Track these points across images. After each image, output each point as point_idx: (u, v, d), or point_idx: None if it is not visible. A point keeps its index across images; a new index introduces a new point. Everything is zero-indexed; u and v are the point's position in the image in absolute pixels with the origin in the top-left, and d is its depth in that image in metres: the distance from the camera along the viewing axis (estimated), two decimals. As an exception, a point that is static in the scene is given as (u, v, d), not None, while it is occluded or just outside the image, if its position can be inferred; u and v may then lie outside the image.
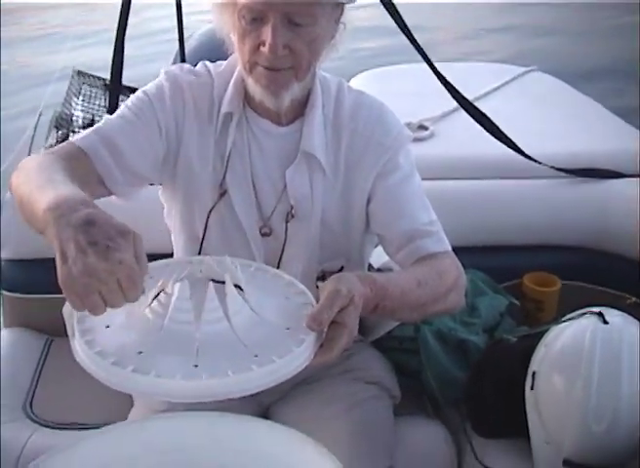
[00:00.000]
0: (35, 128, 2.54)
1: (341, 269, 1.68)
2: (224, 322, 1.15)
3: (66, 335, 1.90)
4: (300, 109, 1.60)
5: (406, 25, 2.25)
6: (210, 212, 1.61)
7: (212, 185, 1.61)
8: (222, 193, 1.60)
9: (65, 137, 2.57)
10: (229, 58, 1.64)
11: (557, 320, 1.75)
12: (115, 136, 1.50)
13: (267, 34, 1.42)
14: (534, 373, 1.64)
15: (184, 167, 1.61)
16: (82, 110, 2.57)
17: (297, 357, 1.12)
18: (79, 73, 2.56)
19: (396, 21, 2.22)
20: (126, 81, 2.51)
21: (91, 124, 2.53)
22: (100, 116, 2.55)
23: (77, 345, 1.13)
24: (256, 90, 1.52)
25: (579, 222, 2.30)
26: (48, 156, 1.40)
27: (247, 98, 1.60)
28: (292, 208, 1.60)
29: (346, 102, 1.63)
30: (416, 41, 2.28)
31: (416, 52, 2.30)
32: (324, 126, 1.60)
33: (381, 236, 1.63)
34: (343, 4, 1.52)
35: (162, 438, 1.14)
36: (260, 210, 1.62)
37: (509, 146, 2.36)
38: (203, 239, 1.63)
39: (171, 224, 1.73)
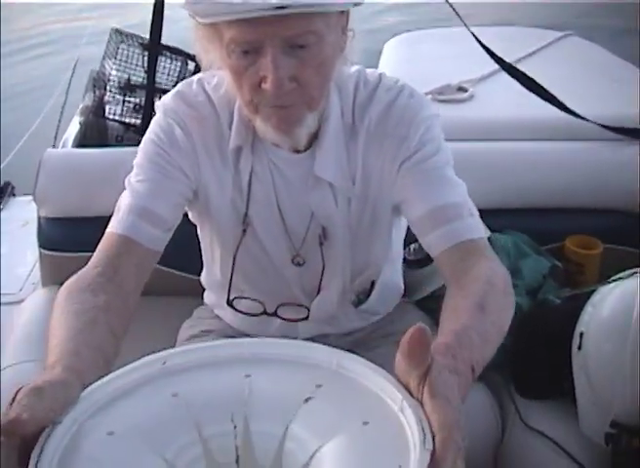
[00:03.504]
0: (69, 85, 2.53)
1: (373, 285, 1.64)
2: None
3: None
4: (316, 133, 1.45)
5: None
6: (237, 249, 1.52)
7: (234, 222, 1.52)
8: (245, 228, 1.51)
9: (101, 98, 2.56)
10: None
11: (599, 283, 1.73)
12: (150, 205, 1.39)
13: (267, 68, 1.24)
14: (581, 334, 1.62)
15: (205, 205, 1.51)
16: (118, 70, 2.55)
17: None
18: (117, 32, 2.53)
19: None
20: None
21: (127, 83, 2.53)
22: (137, 76, 2.54)
23: None
24: (266, 130, 1.37)
25: (621, 185, 2.26)
26: (83, 297, 1.22)
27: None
28: (323, 229, 1.51)
29: (358, 100, 1.46)
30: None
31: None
32: (344, 135, 1.45)
33: (409, 219, 1.48)
34: (349, 9, 1.35)
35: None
36: (290, 240, 1.54)
37: (555, 105, 2.32)
38: (231, 278, 1.56)
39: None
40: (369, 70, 1.51)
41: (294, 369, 0.98)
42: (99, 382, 0.95)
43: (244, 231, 1.51)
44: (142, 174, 1.43)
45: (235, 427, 0.92)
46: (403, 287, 1.83)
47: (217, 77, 1.46)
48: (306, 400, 0.93)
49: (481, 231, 1.39)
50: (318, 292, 1.58)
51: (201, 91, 1.48)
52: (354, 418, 0.88)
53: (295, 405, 0.92)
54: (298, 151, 1.46)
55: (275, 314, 1.60)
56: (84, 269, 1.30)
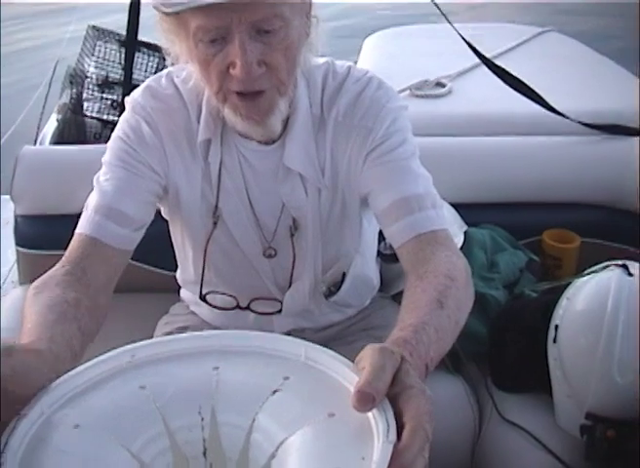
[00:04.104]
0: (50, 83, 2.51)
1: (344, 276, 1.63)
2: None
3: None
4: (285, 124, 1.45)
5: None
6: (207, 242, 1.52)
7: (205, 215, 1.51)
8: (216, 221, 1.51)
9: (79, 95, 2.55)
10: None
11: (575, 276, 1.74)
12: (117, 204, 1.37)
13: (235, 53, 1.24)
14: (556, 327, 1.63)
15: (176, 199, 1.50)
16: (96, 67, 2.55)
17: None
18: (94, 28, 2.52)
19: None
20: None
21: (105, 80, 2.52)
22: (115, 72, 2.53)
23: None
24: (236, 121, 1.36)
25: (599, 180, 2.27)
26: (52, 299, 1.18)
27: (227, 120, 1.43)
28: (294, 221, 1.51)
29: (327, 92, 1.46)
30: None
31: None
32: (312, 126, 1.45)
33: (375, 211, 1.46)
34: None
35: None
36: (261, 231, 1.54)
37: (534, 100, 2.33)
38: (203, 273, 1.56)
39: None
40: (338, 62, 1.51)
41: (262, 361, 0.97)
42: (66, 375, 0.94)
43: (214, 224, 1.51)
44: (110, 172, 1.41)
45: (202, 419, 0.91)
46: (377, 280, 1.83)
47: (186, 70, 1.45)
48: (274, 392, 0.92)
49: (443, 223, 1.38)
50: (290, 285, 1.58)
51: (170, 84, 1.47)
52: (320, 410, 0.88)
53: (262, 397, 0.91)
54: (266, 143, 1.45)
55: (248, 308, 1.60)
56: (51, 270, 1.28)
